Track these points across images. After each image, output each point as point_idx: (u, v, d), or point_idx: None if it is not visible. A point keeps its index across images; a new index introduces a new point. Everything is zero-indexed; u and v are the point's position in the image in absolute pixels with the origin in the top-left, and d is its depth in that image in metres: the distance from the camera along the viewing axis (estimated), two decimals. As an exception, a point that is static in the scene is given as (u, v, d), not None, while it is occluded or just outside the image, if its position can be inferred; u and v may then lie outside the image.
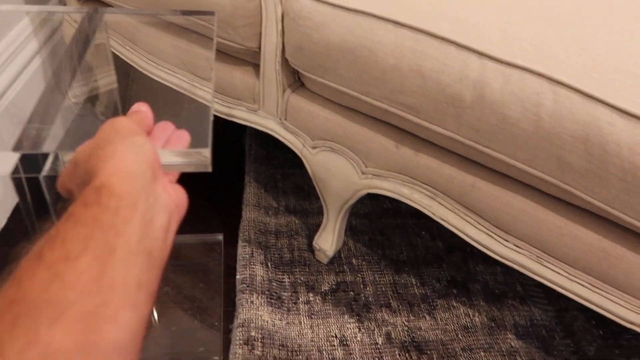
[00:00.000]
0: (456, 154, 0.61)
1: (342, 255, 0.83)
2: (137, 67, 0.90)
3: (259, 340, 0.67)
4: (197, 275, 0.77)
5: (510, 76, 0.51)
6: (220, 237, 0.83)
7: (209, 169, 0.40)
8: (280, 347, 0.68)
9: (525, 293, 0.81)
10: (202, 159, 0.40)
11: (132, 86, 1.17)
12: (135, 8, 0.80)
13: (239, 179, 0.95)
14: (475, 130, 0.54)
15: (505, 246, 0.60)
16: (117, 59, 1.08)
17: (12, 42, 0.90)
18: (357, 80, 0.60)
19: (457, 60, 0.53)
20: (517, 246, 0.60)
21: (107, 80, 1.06)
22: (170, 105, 1.10)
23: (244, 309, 0.70)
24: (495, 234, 0.60)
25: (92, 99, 1.14)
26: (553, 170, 0.52)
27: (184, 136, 0.41)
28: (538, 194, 0.57)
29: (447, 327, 0.74)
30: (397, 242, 0.87)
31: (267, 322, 0.70)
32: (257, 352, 0.66)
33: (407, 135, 0.64)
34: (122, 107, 1.11)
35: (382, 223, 0.90)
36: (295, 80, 0.71)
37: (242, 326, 0.68)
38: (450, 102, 0.54)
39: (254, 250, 0.80)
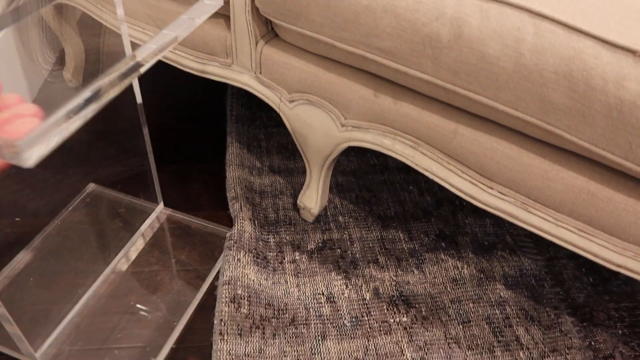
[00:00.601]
0: (436, 100, 0.59)
1: (329, 213, 0.81)
2: (107, 25, 0.86)
3: (246, 298, 0.66)
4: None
5: (488, 11, 0.48)
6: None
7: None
8: (267, 306, 0.67)
9: (515, 244, 0.80)
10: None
11: (103, 47, 1.13)
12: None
13: (222, 141, 0.93)
14: (454, 72, 0.51)
15: (490, 194, 0.58)
16: (87, 18, 1.03)
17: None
18: (329, 25, 0.57)
19: (433, -3, 0.50)
20: (501, 193, 0.58)
21: (74, 42, 1.02)
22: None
23: (230, 267, 0.69)
24: (480, 182, 0.58)
25: (61, 63, 1.10)
26: (536, 111, 0.49)
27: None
28: (522, 138, 0.55)
29: (436, 280, 0.73)
30: (385, 198, 0.85)
31: (253, 281, 0.69)
32: (244, 310, 0.65)
33: (386, 83, 0.61)
34: (95, 71, 1.07)
35: (369, 179, 0.88)
36: (269, 30, 0.68)
37: (229, 284, 0.67)
38: (427, 43, 0.51)
39: (242, 205, 0.78)
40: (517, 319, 0.69)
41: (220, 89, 1.06)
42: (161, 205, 0.78)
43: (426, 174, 0.62)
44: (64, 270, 0.69)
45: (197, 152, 0.91)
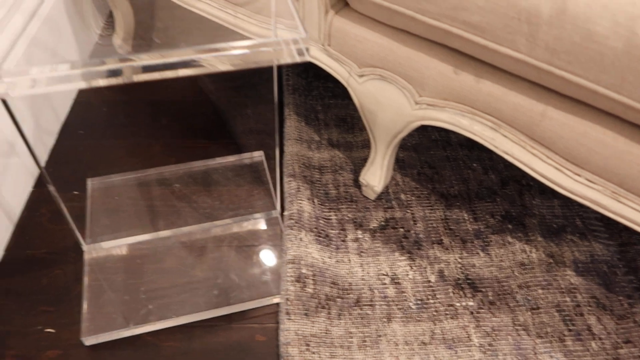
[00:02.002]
0: (524, 79, 0.55)
1: (390, 191, 0.79)
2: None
3: (310, 277, 0.66)
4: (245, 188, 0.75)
5: (600, -16, 0.43)
6: (260, 154, 0.81)
7: None
8: (332, 285, 0.66)
9: (585, 227, 0.76)
10: None
11: (155, 15, 1.11)
12: None
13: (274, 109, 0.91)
14: (552, 51, 0.47)
15: (577, 181, 0.55)
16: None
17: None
18: (412, -3, 0.53)
19: (535, -32, 0.45)
20: (589, 181, 0.54)
21: (124, 8, 1.00)
22: (197, 31, 1.04)
23: (293, 246, 0.68)
24: (566, 168, 0.55)
25: (111, 29, 1.08)
26: (644, 96, 0.45)
27: None
28: (620, 123, 0.51)
29: (503, 264, 0.71)
30: (448, 175, 0.82)
31: (317, 259, 0.68)
32: (309, 289, 0.65)
33: (468, 60, 0.57)
34: (145, 38, 1.05)
35: (431, 155, 0.85)
36: (339, 0, 0.64)
37: (293, 263, 0.66)
38: (523, 18, 0.47)
39: (299, 184, 0.77)
40: (589, 307, 0.67)
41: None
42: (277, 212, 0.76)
43: (506, 157, 0.59)
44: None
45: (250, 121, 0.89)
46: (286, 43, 0.39)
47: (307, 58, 0.40)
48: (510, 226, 0.76)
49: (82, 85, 0.40)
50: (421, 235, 0.74)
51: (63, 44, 0.90)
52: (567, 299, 0.68)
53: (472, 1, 0.49)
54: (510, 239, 0.74)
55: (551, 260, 0.72)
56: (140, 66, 0.40)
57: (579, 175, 0.55)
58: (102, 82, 0.40)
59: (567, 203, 0.79)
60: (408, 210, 0.77)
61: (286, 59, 0.39)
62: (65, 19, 0.91)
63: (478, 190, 0.80)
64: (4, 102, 0.48)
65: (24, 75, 0.39)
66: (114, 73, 0.40)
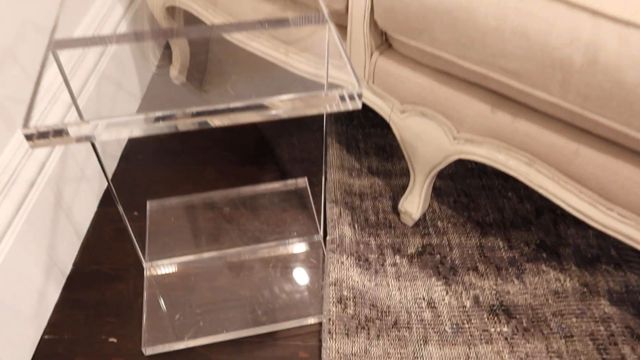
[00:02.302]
0: (558, 119, 0.58)
1: (427, 218, 0.83)
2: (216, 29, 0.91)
3: (351, 299, 0.70)
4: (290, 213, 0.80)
5: (628, 37, 0.47)
6: (304, 180, 0.87)
7: None
8: (371, 307, 0.70)
9: (620, 257, 0.78)
10: None
11: (210, 49, 1.19)
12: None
13: (320, 139, 0.96)
14: (584, 96, 0.51)
15: (609, 215, 0.58)
16: (195, 20, 1.09)
17: (99, 11, 0.93)
18: (453, 43, 0.58)
19: (567, 21, 0.49)
20: (622, 216, 0.57)
21: (181, 42, 1.08)
22: (246, 66, 1.11)
23: (335, 268, 0.73)
24: (599, 204, 0.58)
25: (168, 62, 1.17)
26: (673, 139, 0.48)
27: None
28: (650, 162, 0.54)
29: (537, 291, 0.74)
30: (483, 203, 0.86)
31: (357, 282, 0.72)
32: (350, 310, 0.69)
33: (505, 100, 0.61)
34: (200, 70, 1.13)
35: (467, 184, 0.89)
36: (383, 42, 0.70)
37: (335, 285, 0.71)
38: (557, 67, 0.51)
39: (341, 210, 0.81)
40: (623, 337, 0.69)
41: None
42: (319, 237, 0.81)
43: (540, 191, 0.62)
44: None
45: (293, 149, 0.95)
46: (341, 95, 0.44)
47: (359, 105, 0.45)
48: (544, 255, 0.78)
49: (155, 132, 0.45)
50: (457, 262, 0.77)
51: (126, 76, 0.98)
52: (601, 328, 0.70)
53: (510, 50, 0.53)
54: (544, 268, 0.76)
55: (585, 290, 0.74)
56: (206, 111, 0.46)
57: (611, 210, 0.57)
58: (168, 129, 0.45)
59: (602, 233, 0.81)
60: (444, 237, 0.80)
61: (340, 108, 0.44)
62: (128, 53, 0.99)
63: (513, 218, 0.83)
64: (92, 143, 0.54)
65: (106, 121, 0.45)
66: (176, 120, 0.45)
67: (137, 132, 0.44)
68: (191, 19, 1.19)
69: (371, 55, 0.69)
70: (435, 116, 0.66)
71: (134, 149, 0.96)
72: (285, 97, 0.45)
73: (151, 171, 0.92)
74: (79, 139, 0.43)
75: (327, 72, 0.58)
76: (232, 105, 0.45)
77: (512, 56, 0.53)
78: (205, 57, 1.17)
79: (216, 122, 0.46)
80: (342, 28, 0.71)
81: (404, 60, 0.67)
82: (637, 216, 0.56)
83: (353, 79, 0.45)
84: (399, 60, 0.68)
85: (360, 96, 0.44)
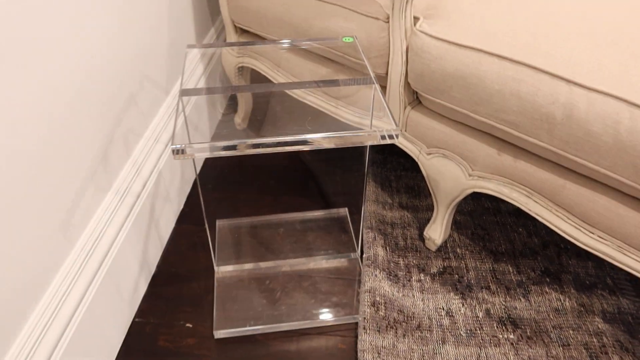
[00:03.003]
0: (549, 160, 0.75)
1: (448, 245, 0.99)
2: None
3: (382, 304, 0.85)
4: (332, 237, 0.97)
5: (594, 100, 0.64)
6: (344, 210, 1.04)
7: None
8: (399, 312, 0.85)
9: (615, 285, 0.91)
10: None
11: (270, 101, 1.42)
12: (280, 39, 1.02)
13: (360, 181, 1.15)
14: (565, 142, 0.68)
15: (591, 237, 0.73)
16: (261, 77, 1.32)
17: (188, 67, 1.16)
18: (467, 101, 0.76)
19: (549, 87, 0.67)
20: (601, 237, 0.72)
21: (246, 95, 1.30)
22: (301, 115, 1.33)
23: (370, 279, 0.89)
24: (582, 227, 0.73)
25: (234, 110, 1.39)
26: (631, 175, 0.64)
27: None
28: (620, 194, 0.69)
29: (540, 308, 0.87)
30: (497, 236, 1.01)
31: (387, 292, 0.88)
32: (381, 313, 0.84)
33: (508, 145, 0.79)
34: (260, 118, 1.35)
35: (484, 220, 1.04)
36: (414, 99, 0.89)
37: (369, 292, 0.87)
38: (544, 120, 0.68)
39: (375, 235, 0.98)
40: (613, 349, 0.81)
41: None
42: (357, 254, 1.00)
43: (538, 218, 0.78)
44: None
45: (339, 187, 1.13)
46: (381, 132, 0.62)
47: (396, 141, 0.63)
48: (548, 279, 0.92)
49: (236, 153, 0.64)
50: (472, 281, 0.92)
51: (202, 120, 1.21)
52: (595, 340, 0.82)
53: (509, 107, 0.71)
54: (547, 290, 0.90)
55: (582, 309, 0.87)
56: (269, 143, 0.64)
57: (592, 233, 0.73)
58: (238, 153, 0.64)
59: (600, 264, 0.95)
60: (462, 261, 0.96)
61: (380, 142, 0.63)
62: (204, 102, 1.22)
63: (522, 249, 0.98)
64: (193, 161, 0.74)
65: (200, 144, 0.64)
66: (251, 146, 0.64)
67: (214, 153, 0.63)
68: (256, 76, 1.43)
69: (405, 108, 0.88)
70: (454, 157, 0.84)
71: (205, 178, 1.17)
72: (336, 134, 0.63)
73: (219, 197, 1.11)
74: (190, 155, 0.62)
75: (371, 118, 0.76)
76: (285, 139, 0.63)
77: (510, 111, 0.71)
78: (266, 107, 1.39)
79: (269, 149, 0.65)
80: (382, 87, 0.91)
81: (430, 113, 0.86)
82: (612, 237, 0.71)
83: (392, 121, 0.64)
84: (426, 113, 0.86)
85: (397, 135, 0.63)
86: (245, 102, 1.31)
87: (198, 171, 1.19)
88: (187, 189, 1.13)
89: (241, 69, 1.24)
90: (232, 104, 1.43)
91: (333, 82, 0.78)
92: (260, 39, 1.12)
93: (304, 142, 0.65)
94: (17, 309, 0.60)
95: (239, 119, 1.33)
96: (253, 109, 1.40)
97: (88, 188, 0.74)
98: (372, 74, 0.73)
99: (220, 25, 1.40)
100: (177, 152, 0.62)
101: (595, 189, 0.71)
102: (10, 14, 0.55)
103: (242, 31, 1.16)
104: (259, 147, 0.64)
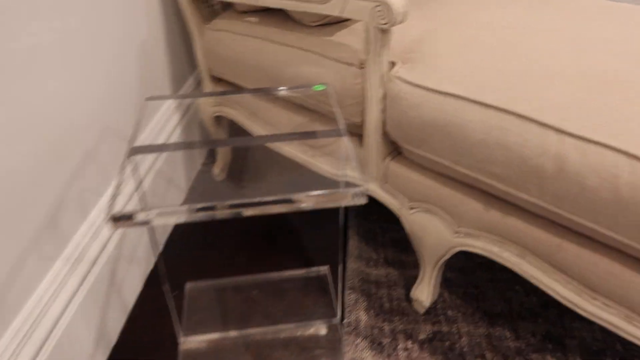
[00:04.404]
0: (542, 216, 0.67)
1: (438, 306, 0.90)
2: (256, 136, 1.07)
3: (363, 380, 0.76)
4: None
5: (587, 150, 0.57)
6: (325, 268, 0.95)
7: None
8: (381, 388, 0.76)
9: (626, 352, 0.82)
10: None
11: (249, 151, 1.35)
12: (255, 88, 0.96)
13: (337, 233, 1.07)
14: (558, 198, 0.61)
15: (594, 304, 0.64)
16: (238, 128, 1.25)
17: (160, 118, 1.11)
18: (448, 152, 0.69)
19: (538, 136, 0.60)
20: (605, 304, 0.63)
21: (224, 148, 1.24)
22: (279, 165, 1.26)
23: (351, 350, 0.79)
24: (584, 292, 0.65)
25: (212, 160, 1.33)
26: (634, 236, 0.56)
27: None
28: (623, 256, 0.61)
29: (542, 380, 0.77)
30: (491, 295, 0.92)
31: (369, 364, 0.78)
32: (361, 390, 0.75)
33: (496, 199, 0.71)
34: (239, 169, 1.28)
35: (476, 276, 0.96)
36: (394, 149, 0.82)
37: (348, 366, 0.77)
38: (533, 173, 0.61)
39: (358, 297, 0.89)
40: None
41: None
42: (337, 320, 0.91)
43: (532, 280, 0.69)
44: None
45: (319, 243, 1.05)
46: (350, 193, 0.55)
47: (363, 201, 0.55)
48: (550, 346, 0.83)
49: (197, 219, 0.57)
50: (465, 349, 0.82)
51: (176, 172, 1.14)
52: (605, 419, 0.72)
53: (494, 158, 0.64)
54: (550, 357, 0.81)
55: (589, 381, 0.77)
56: (240, 204, 0.57)
57: (595, 299, 0.64)
58: (207, 218, 0.57)
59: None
60: (454, 325, 0.86)
61: (349, 203, 0.55)
62: (179, 152, 1.16)
63: (520, 310, 0.89)
64: (150, 228, 0.67)
65: (159, 209, 0.57)
66: (215, 211, 0.57)
67: (183, 219, 0.55)
68: (235, 126, 1.37)
69: (384, 159, 0.81)
70: (438, 212, 0.76)
71: (177, 236, 1.09)
72: (305, 194, 0.56)
73: (191, 256, 1.03)
74: (140, 224, 0.55)
75: (343, 180, 0.69)
76: (264, 199, 0.56)
77: (496, 163, 0.64)
78: (245, 157, 1.33)
79: (249, 212, 0.57)
80: (359, 136, 0.84)
81: (411, 165, 0.79)
82: (617, 305, 0.62)
83: (361, 181, 0.57)
84: (407, 165, 0.79)
85: (364, 194, 0.55)
86: (223, 153, 1.25)
87: (170, 229, 1.12)
88: (158, 247, 1.05)
89: (219, 118, 1.19)
90: (212, 153, 1.37)
91: (306, 135, 0.72)
92: (236, 87, 1.07)
93: (259, 204, 0.57)
94: None
95: (217, 169, 1.27)
96: (232, 159, 1.34)
97: (29, 259, 0.66)
98: (342, 126, 0.66)
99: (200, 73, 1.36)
100: (117, 220, 0.54)
101: (596, 250, 0.63)
102: None
103: (217, 80, 1.11)
104: (204, 211, 0.57)
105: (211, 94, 1.05)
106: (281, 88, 0.80)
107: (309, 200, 0.57)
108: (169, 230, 1.10)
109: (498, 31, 0.79)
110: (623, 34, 0.76)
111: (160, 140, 1.09)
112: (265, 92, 0.86)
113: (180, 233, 1.10)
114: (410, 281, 0.94)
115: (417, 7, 0.92)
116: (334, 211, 1.14)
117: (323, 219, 1.12)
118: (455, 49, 0.75)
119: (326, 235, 1.07)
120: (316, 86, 0.76)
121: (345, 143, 0.65)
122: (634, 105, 0.59)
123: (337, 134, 0.66)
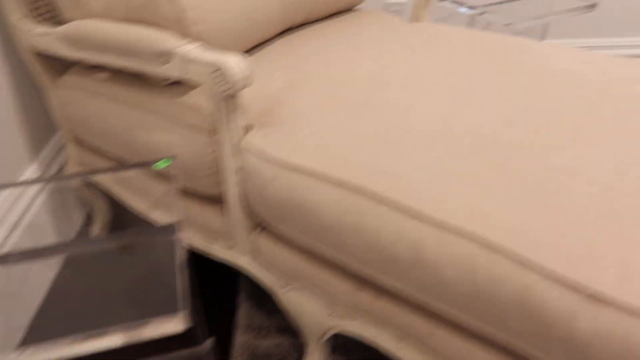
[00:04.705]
0: (413, 302, 0.61)
1: (332, 379, 0.82)
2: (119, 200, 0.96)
3: None
4: None
5: (444, 239, 0.51)
6: (210, 342, 0.86)
7: None
8: None
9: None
10: None
11: (126, 214, 1.23)
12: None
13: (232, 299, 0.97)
14: (421, 288, 0.54)
15: (474, 393, 0.58)
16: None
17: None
18: (306, 231, 0.61)
19: (393, 221, 0.53)
20: (485, 394, 0.57)
21: (102, 205, 1.12)
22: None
23: None
24: (462, 381, 0.59)
25: (90, 220, 1.20)
26: (500, 329, 0.50)
27: None
28: (499, 348, 0.55)
29: None
30: None
31: None
32: None
33: (366, 281, 0.64)
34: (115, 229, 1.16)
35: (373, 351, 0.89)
36: (262, 220, 0.74)
37: None
38: (391, 262, 0.54)
39: (241, 382, 0.80)
40: None
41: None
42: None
43: (411, 366, 0.63)
44: None
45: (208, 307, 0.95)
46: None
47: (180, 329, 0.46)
48: (449, 414, 0.77)
49: None
50: None
51: (48, 230, 1.01)
52: None
53: (352, 242, 0.57)
54: None
55: None
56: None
57: (474, 388, 0.58)
58: None
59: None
60: (348, 401, 0.79)
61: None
62: (51, 207, 1.03)
63: (419, 373, 0.83)
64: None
65: None
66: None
67: None
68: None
69: (250, 232, 0.72)
70: (312, 291, 0.69)
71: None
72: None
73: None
74: None
75: (179, 300, 0.59)
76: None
77: (356, 247, 0.57)
78: (126, 217, 1.21)
79: None
80: (221, 207, 0.75)
81: (279, 239, 0.71)
82: (496, 396, 0.56)
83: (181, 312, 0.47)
84: (275, 239, 0.71)
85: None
86: (101, 211, 1.12)
87: None
88: None
89: (91, 184, 1.06)
90: (92, 214, 1.24)
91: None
92: (100, 152, 0.95)
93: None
94: None
95: (96, 229, 1.14)
96: (112, 220, 1.21)
97: None
98: (176, 222, 0.57)
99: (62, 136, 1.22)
100: None
101: (469, 340, 0.57)
102: None
103: (81, 142, 0.99)
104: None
105: (44, 179, 0.93)
106: (125, 166, 0.70)
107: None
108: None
109: (365, 85, 0.72)
110: (500, 78, 0.71)
111: (21, 209, 0.96)
112: (111, 172, 0.76)
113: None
114: (302, 351, 0.86)
115: (282, 55, 0.84)
116: (224, 281, 1.05)
117: (210, 286, 1.02)
118: (315, 107, 0.67)
119: (211, 303, 0.98)
120: (159, 162, 0.66)
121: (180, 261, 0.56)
122: (495, 179, 0.53)
123: (166, 233, 0.56)
